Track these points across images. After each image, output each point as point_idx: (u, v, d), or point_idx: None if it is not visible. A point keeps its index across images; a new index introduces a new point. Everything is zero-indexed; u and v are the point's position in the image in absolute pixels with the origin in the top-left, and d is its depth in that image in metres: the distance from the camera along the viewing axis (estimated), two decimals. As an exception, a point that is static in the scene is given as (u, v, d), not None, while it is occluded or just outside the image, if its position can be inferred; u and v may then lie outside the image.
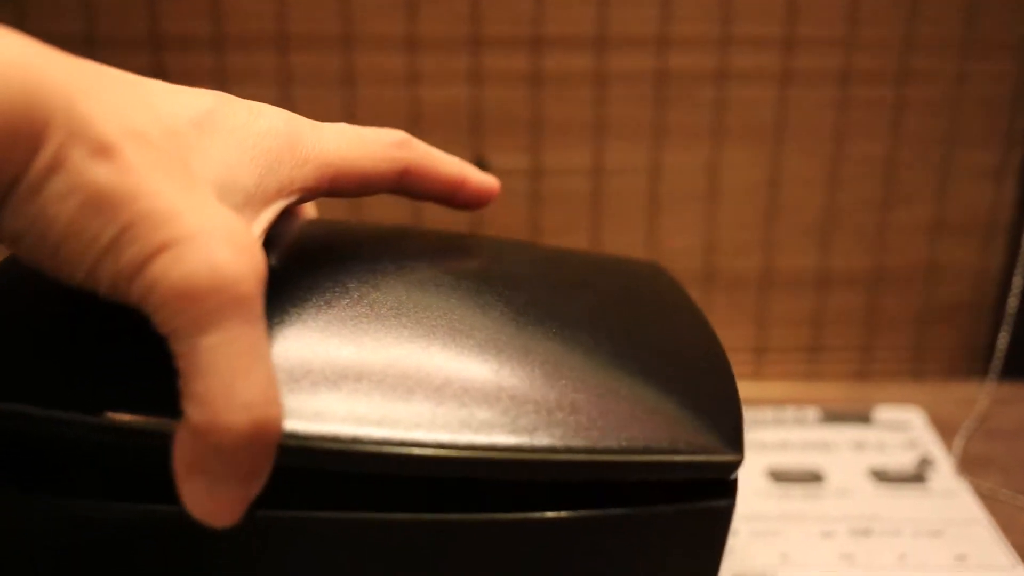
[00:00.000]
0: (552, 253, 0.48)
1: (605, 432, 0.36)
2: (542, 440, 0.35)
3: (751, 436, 0.65)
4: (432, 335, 0.38)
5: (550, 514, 0.37)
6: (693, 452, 0.36)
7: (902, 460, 0.63)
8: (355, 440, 0.34)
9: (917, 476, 0.61)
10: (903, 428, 0.66)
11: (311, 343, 0.36)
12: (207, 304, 0.30)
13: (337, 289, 0.39)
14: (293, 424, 0.34)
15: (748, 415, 0.66)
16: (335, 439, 0.34)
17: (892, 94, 0.67)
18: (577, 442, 0.36)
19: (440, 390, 0.36)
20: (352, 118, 0.67)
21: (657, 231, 0.70)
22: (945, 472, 0.62)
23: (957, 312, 0.72)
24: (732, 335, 0.72)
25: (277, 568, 0.37)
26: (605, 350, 0.39)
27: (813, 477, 0.62)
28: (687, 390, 0.39)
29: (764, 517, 0.58)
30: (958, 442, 0.64)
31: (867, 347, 0.73)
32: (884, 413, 0.68)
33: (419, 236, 0.47)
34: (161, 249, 0.30)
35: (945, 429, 0.66)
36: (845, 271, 0.71)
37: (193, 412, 0.31)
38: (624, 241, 0.70)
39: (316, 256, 0.42)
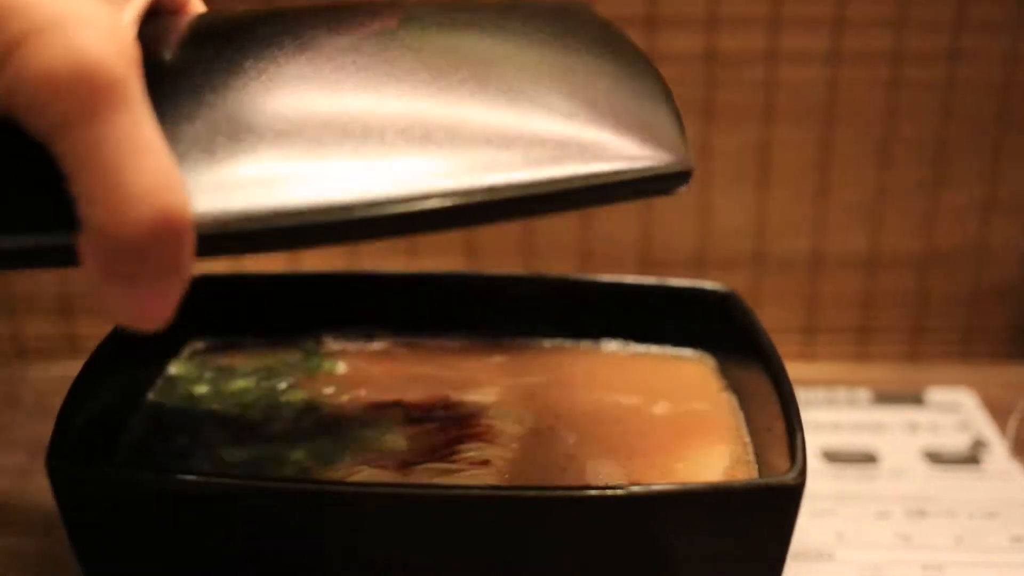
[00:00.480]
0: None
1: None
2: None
3: (804, 415, 0.65)
4: (363, 87, 0.33)
5: (630, 490, 0.37)
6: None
7: (955, 442, 0.63)
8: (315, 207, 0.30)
9: (971, 458, 0.61)
10: (955, 410, 0.66)
11: (225, 109, 0.32)
12: (76, 94, 0.28)
13: (237, 66, 0.34)
14: (233, 199, 0.30)
15: (800, 395, 0.66)
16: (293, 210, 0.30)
17: (943, 74, 0.67)
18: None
19: (384, 139, 0.32)
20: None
21: (707, 212, 0.70)
22: (999, 454, 0.62)
23: (1007, 293, 0.72)
24: (782, 316, 0.72)
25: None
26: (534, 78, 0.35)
27: (867, 458, 0.62)
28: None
29: (819, 497, 0.58)
30: (1012, 424, 0.64)
31: (917, 328, 0.73)
32: (936, 395, 0.68)
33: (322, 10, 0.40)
34: (18, 42, 0.28)
35: (996, 411, 0.65)
36: (895, 252, 0.71)
37: (90, 214, 0.29)
38: (674, 222, 0.70)
39: (206, 41, 0.37)
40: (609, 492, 0.38)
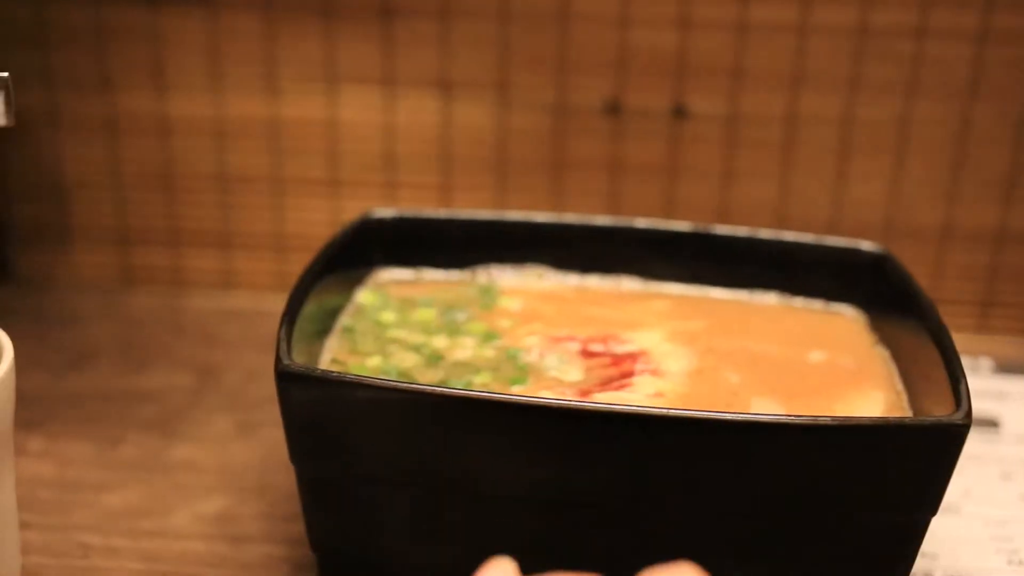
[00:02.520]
0: None
1: None
2: None
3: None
4: None
5: (817, 420, 0.41)
6: None
7: (1077, 412, 0.65)
8: None
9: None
10: (1076, 384, 0.68)
11: None
12: None
13: None
14: None
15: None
16: None
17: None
18: None
19: None
20: (566, 54, 0.70)
21: (844, 180, 0.72)
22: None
23: None
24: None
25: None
26: None
27: (990, 423, 0.65)
28: None
29: (948, 454, 0.61)
30: None
31: (1038, 305, 0.75)
32: (1057, 369, 0.70)
33: None
34: None
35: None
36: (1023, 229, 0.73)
37: None
38: (810, 187, 0.73)
39: None
40: (796, 421, 0.41)
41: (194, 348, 0.71)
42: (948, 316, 0.74)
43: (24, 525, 0.52)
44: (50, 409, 0.64)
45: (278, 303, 0.77)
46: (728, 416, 0.41)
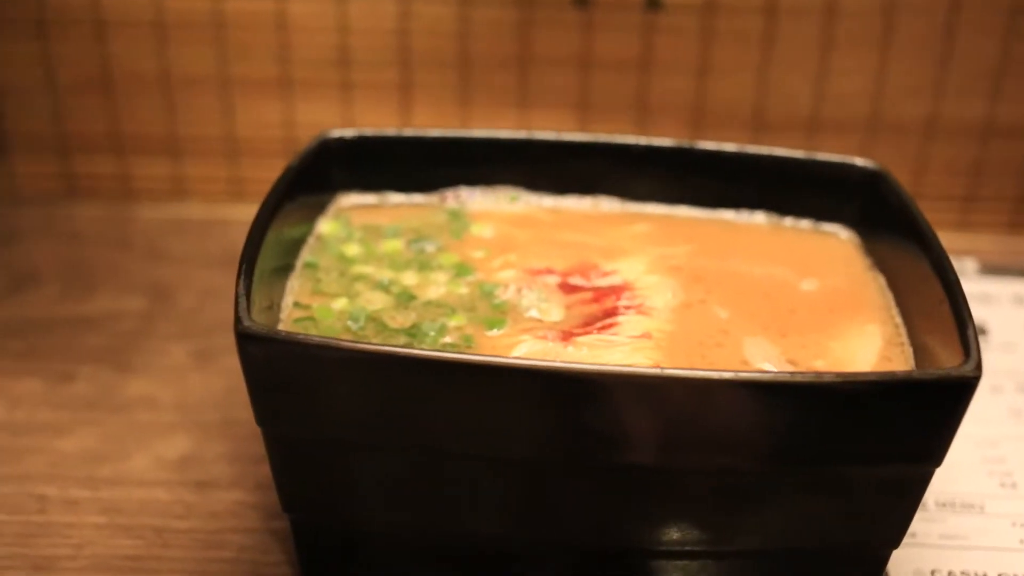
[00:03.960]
0: None
1: None
2: None
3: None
4: None
5: (823, 377, 0.38)
6: None
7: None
8: None
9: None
10: (1063, 284, 0.67)
11: None
12: None
13: None
14: None
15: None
16: None
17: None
18: None
19: None
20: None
21: (826, 74, 0.69)
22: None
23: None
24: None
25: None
26: None
27: (978, 331, 0.63)
28: None
29: (937, 370, 0.59)
30: None
31: (1021, 198, 0.72)
32: (1041, 267, 0.68)
33: None
34: None
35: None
36: (1012, 122, 0.70)
37: None
38: (790, 83, 0.69)
39: None
40: (801, 379, 0.39)
41: (144, 266, 0.67)
42: (931, 212, 0.71)
43: (-27, 478, 0.49)
44: (-7, 340, 0.60)
45: (231, 212, 0.74)
46: (726, 375, 0.39)
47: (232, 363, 0.58)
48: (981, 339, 0.61)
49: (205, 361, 0.59)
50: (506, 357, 0.42)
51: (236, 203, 0.73)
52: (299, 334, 0.40)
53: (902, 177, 0.71)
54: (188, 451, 0.53)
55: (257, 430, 0.53)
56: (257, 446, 0.53)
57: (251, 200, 0.72)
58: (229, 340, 0.60)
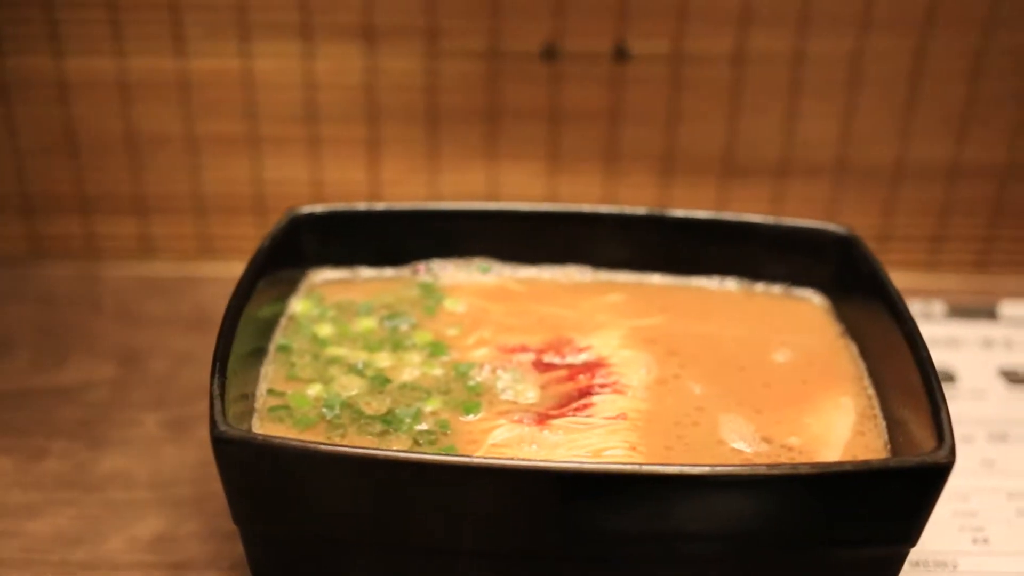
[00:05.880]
0: None
1: None
2: None
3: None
4: None
5: (798, 469, 0.38)
6: None
7: (1031, 359, 0.64)
8: None
9: (1053, 380, 0.63)
10: (1028, 325, 0.67)
11: None
12: None
13: None
14: None
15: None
16: None
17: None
18: None
19: None
20: (497, 1, 0.65)
21: (794, 120, 0.69)
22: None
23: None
24: (857, 223, 0.71)
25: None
26: None
27: (946, 377, 0.63)
28: None
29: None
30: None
31: (990, 238, 0.73)
32: (1009, 308, 0.69)
33: None
34: None
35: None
36: (977, 163, 0.70)
37: None
38: (759, 128, 0.69)
39: None
40: (777, 472, 0.39)
41: (115, 329, 0.67)
42: (899, 252, 0.72)
43: (-54, 568, 0.49)
44: (-38, 415, 0.59)
45: (199, 269, 0.73)
46: (703, 470, 0.39)
47: (204, 434, 0.58)
48: (949, 387, 0.62)
49: (179, 431, 0.59)
50: (478, 458, 0.42)
51: (205, 260, 0.72)
52: (275, 438, 0.40)
53: (871, 218, 0.72)
54: (163, 530, 0.53)
55: (231, 506, 0.54)
56: (231, 523, 0.53)
57: (220, 257, 0.72)
58: (202, 409, 0.60)
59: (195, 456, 0.57)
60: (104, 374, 0.63)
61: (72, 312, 0.68)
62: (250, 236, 0.72)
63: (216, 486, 0.54)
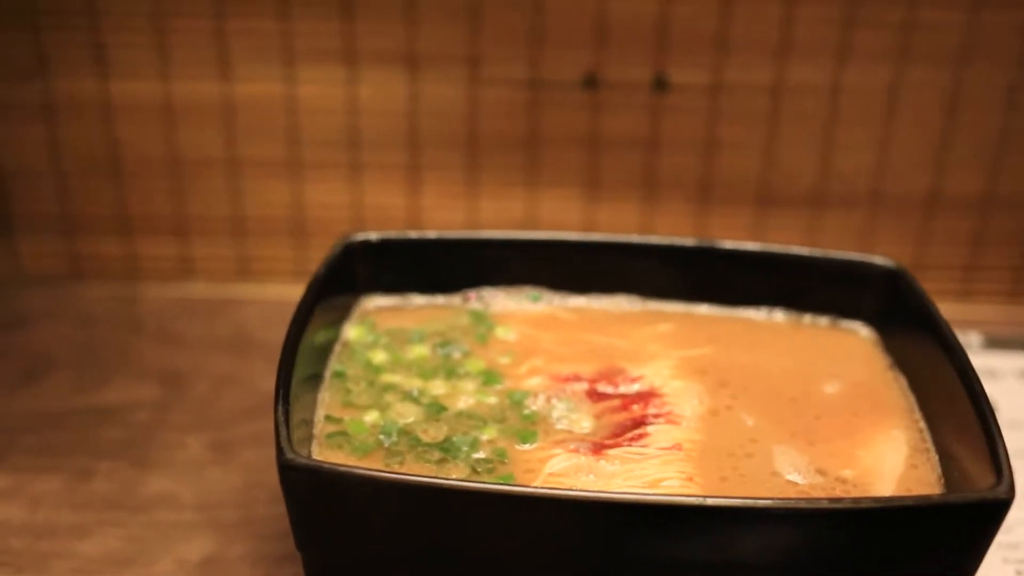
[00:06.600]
0: None
1: None
2: None
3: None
4: None
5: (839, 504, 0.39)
6: None
7: (1074, 394, 0.64)
8: None
9: (1093, 413, 0.63)
10: (1068, 357, 0.68)
11: None
12: None
13: None
14: None
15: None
16: None
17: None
18: None
19: None
20: (542, 27, 0.66)
21: (830, 150, 0.70)
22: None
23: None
24: (892, 253, 0.72)
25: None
26: None
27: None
28: None
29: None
30: None
31: (1021, 267, 0.73)
32: (1046, 340, 0.69)
33: None
34: None
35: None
36: (1013, 194, 0.71)
37: None
38: (795, 157, 0.70)
39: None
40: (840, 506, 0.39)
41: (155, 350, 0.67)
42: (933, 282, 0.72)
43: (-1, 588, 0.49)
44: (8, 436, 0.60)
45: (238, 291, 0.74)
46: (769, 503, 0.39)
47: (250, 457, 0.59)
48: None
49: (223, 454, 0.59)
50: (547, 488, 0.42)
51: (243, 282, 0.73)
52: (341, 466, 0.41)
53: (905, 248, 0.73)
54: (211, 552, 0.53)
55: (279, 529, 0.54)
56: (278, 546, 0.53)
57: (258, 279, 0.73)
58: (245, 431, 0.61)
59: (241, 479, 0.57)
60: (146, 395, 0.63)
61: (112, 332, 0.69)
62: (288, 259, 0.72)
63: (263, 509, 0.55)
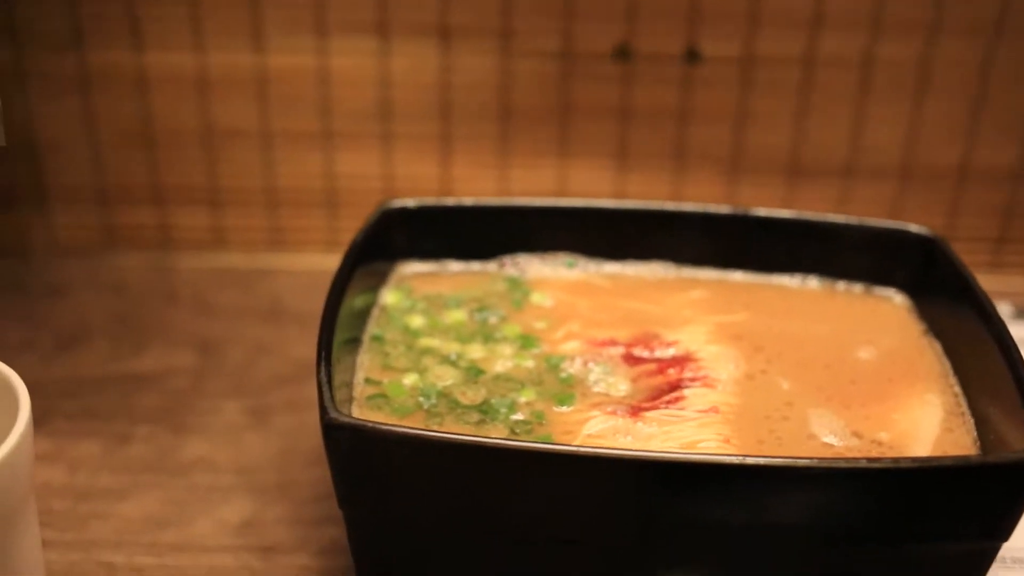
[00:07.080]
0: None
1: None
2: None
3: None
4: None
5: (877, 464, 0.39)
6: None
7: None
8: None
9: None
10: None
11: None
12: None
13: None
14: None
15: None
16: None
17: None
18: None
19: None
20: (571, 2, 0.66)
21: (861, 123, 0.70)
22: None
23: None
24: (922, 224, 0.72)
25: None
26: None
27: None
28: None
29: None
30: None
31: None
32: (1079, 311, 0.69)
33: None
34: None
35: None
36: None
37: None
38: (826, 133, 0.70)
39: None
40: (878, 466, 0.40)
41: (190, 319, 0.68)
42: (964, 254, 0.72)
43: (43, 544, 0.49)
44: (47, 401, 0.60)
45: (271, 261, 0.74)
46: (808, 463, 0.40)
47: (286, 422, 0.60)
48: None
49: (259, 420, 0.60)
50: (588, 447, 0.42)
51: (276, 252, 0.73)
52: (384, 424, 0.41)
53: (935, 219, 0.73)
54: (250, 515, 0.54)
55: (316, 492, 0.55)
56: (316, 509, 0.54)
57: (291, 249, 0.73)
58: (281, 398, 0.62)
59: (277, 444, 0.58)
60: (182, 362, 0.64)
61: (147, 301, 0.70)
62: (321, 229, 0.73)
63: (299, 473, 0.56)
